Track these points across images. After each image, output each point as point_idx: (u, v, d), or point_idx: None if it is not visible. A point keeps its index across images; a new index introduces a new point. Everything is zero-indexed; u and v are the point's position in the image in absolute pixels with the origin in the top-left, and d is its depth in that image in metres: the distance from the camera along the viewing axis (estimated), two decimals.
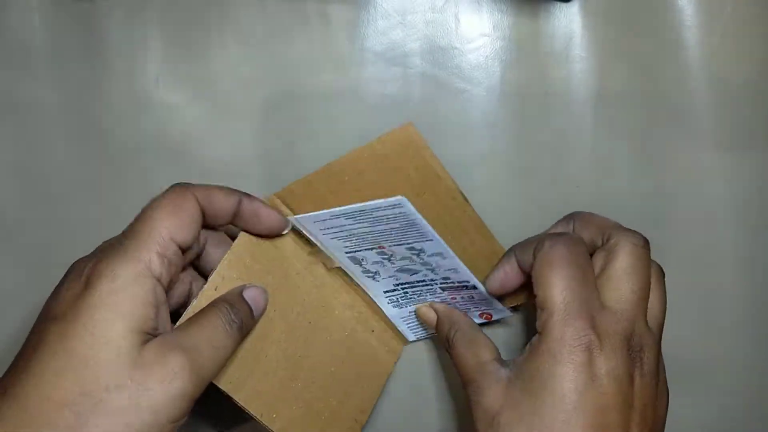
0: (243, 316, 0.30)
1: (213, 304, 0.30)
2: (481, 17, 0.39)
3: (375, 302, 0.38)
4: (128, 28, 0.39)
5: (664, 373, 0.32)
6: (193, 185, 0.30)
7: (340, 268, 0.36)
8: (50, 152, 0.40)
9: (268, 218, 0.33)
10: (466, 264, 0.34)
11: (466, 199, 0.33)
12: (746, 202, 0.39)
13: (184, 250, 0.29)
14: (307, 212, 0.33)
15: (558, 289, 0.29)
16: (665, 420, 0.31)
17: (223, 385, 0.30)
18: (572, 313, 0.28)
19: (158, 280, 0.27)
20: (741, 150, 0.39)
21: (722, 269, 0.40)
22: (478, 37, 0.39)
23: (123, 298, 0.26)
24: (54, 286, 0.40)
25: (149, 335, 0.27)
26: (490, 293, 0.35)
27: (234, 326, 0.29)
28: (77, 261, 0.29)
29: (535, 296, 0.30)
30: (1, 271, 0.41)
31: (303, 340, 0.34)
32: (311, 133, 0.39)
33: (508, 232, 0.35)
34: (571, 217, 0.34)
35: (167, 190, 0.30)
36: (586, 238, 0.32)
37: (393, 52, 0.39)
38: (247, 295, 0.31)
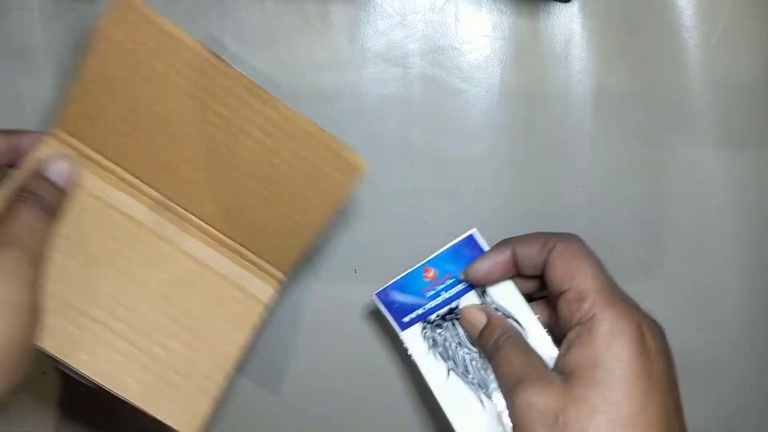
0: (50, 200, 0.30)
1: (15, 199, 0.30)
2: (480, 17, 0.39)
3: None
4: None
5: None
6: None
7: None
8: None
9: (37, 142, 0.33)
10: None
11: (228, 64, 0.31)
12: (746, 202, 0.40)
13: None
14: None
15: (592, 277, 0.29)
16: None
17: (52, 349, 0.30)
18: (615, 297, 0.29)
19: None
20: (741, 150, 0.39)
21: (722, 269, 0.40)
22: (478, 37, 0.39)
23: None
24: None
25: None
26: (467, 280, 0.34)
27: (41, 212, 0.30)
28: None
29: (545, 291, 0.30)
30: None
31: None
32: None
33: (508, 232, 0.35)
34: (507, 244, 0.33)
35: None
36: (532, 258, 0.32)
37: (393, 52, 0.39)
38: (50, 173, 0.31)
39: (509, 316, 0.34)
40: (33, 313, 0.28)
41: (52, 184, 0.31)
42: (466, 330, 0.34)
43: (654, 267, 0.40)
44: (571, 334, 0.29)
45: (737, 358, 0.41)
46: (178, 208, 0.34)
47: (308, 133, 0.32)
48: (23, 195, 0.30)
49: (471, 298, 0.34)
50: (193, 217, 0.34)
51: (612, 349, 0.27)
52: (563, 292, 0.30)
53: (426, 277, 0.35)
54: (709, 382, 0.41)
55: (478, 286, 0.34)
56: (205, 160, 0.33)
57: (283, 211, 0.33)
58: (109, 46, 0.31)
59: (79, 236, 0.32)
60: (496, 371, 0.32)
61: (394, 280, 0.35)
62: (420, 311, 0.35)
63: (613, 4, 0.39)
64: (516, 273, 0.33)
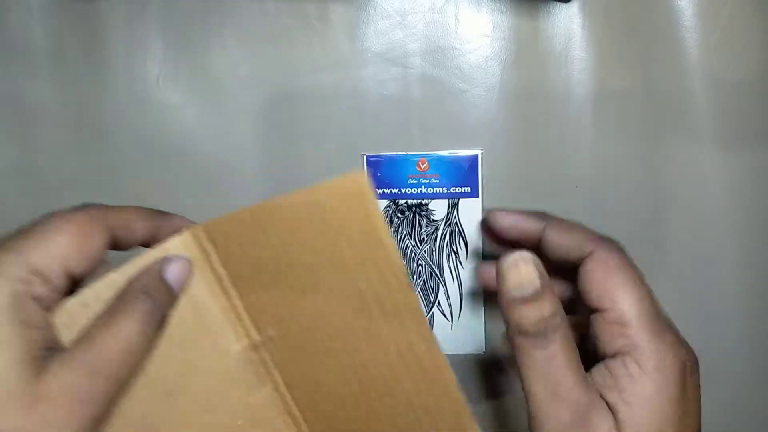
0: (163, 307, 0.25)
1: (127, 297, 0.25)
2: (480, 17, 0.39)
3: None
4: (128, 29, 0.39)
5: None
6: (109, 212, 0.26)
7: None
8: (50, 151, 0.40)
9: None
10: (384, 377, 0.27)
11: (410, 282, 0.25)
12: (746, 202, 0.40)
13: (74, 280, 0.25)
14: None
15: (637, 299, 0.26)
16: None
17: None
18: (660, 326, 0.26)
19: (38, 301, 0.23)
20: (741, 149, 0.39)
21: (722, 269, 0.40)
22: (478, 37, 0.39)
23: (2, 323, 0.22)
24: None
25: (42, 361, 0.22)
26: (487, 219, 0.32)
27: (152, 323, 0.24)
28: None
29: (581, 300, 0.28)
30: None
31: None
32: (311, 133, 0.39)
33: None
34: (543, 218, 0.30)
35: (77, 210, 0.25)
36: (564, 248, 0.29)
37: (393, 52, 0.39)
38: (169, 275, 0.26)
39: (462, 235, 0.35)
40: None
41: (170, 289, 0.26)
42: (502, 281, 0.26)
43: (654, 267, 0.40)
44: (614, 363, 0.26)
45: (737, 358, 0.41)
46: (275, 369, 0.29)
47: (443, 386, 0.26)
48: (141, 297, 0.24)
49: (440, 205, 0.37)
50: (288, 396, 0.30)
51: (661, 389, 0.25)
52: (603, 310, 0.27)
53: (418, 166, 0.37)
54: (708, 382, 0.41)
55: (487, 233, 0.34)
56: (334, 359, 0.28)
57: None
58: (311, 208, 0.25)
59: (162, 355, 0.26)
60: (533, 365, 0.26)
61: (390, 153, 0.37)
62: (395, 191, 0.37)
63: (613, 4, 0.39)
64: (535, 247, 0.30)
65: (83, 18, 0.39)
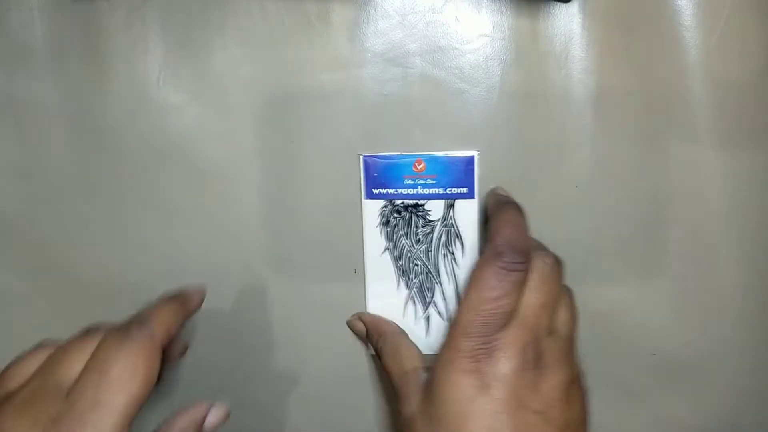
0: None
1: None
2: (480, 18, 0.39)
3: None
4: (129, 28, 0.39)
5: (582, 378, 0.32)
6: (154, 329, 0.29)
7: None
8: (50, 152, 0.40)
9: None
10: None
11: None
12: (746, 202, 0.40)
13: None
14: None
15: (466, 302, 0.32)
16: (584, 421, 0.31)
17: None
18: (471, 329, 0.30)
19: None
20: (741, 150, 0.39)
21: (722, 269, 0.40)
22: (478, 37, 0.39)
23: (142, 368, 0.27)
24: (52, 284, 0.41)
25: None
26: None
27: None
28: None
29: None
30: (0, 270, 0.41)
31: None
32: (311, 133, 0.39)
33: None
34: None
35: (133, 342, 0.28)
36: None
37: (393, 52, 0.39)
38: (206, 424, 0.33)
39: (458, 235, 0.38)
40: None
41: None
42: (356, 333, 0.39)
43: (654, 267, 0.40)
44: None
45: (736, 358, 0.41)
46: None
47: None
48: None
49: (437, 206, 0.38)
50: None
51: (444, 373, 0.30)
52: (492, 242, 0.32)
53: (414, 167, 0.37)
54: (708, 382, 0.41)
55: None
56: None
57: None
58: None
59: None
60: (385, 357, 0.35)
61: (387, 154, 0.37)
62: (391, 191, 0.38)
63: (613, 4, 0.38)
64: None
65: (83, 18, 0.39)
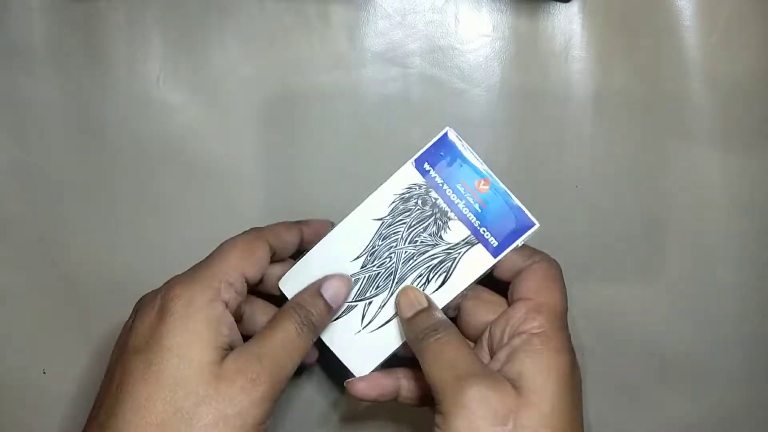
0: (315, 316, 0.32)
1: (285, 308, 0.32)
2: (480, 17, 0.39)
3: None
4: (129, 28, 0.39)
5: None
6: (264, 230, 0.33)
7: None
8: (50, 151, 0.40)
9: (324, 229, 0.36)
10: None
11: None
12: (746, 202, 0.39)
13: (249, 284, 0.32)
14: None
15: (559, 301, 0.31)
16: None
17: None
18: (564, 329, 0.31)
19: (226, 304, 0.30)
20: (741, 149, 0.39)
21: (722, 269, 0.40)
22: (478, 37, 0.39)
23: (199, 320, 0.29)
24: (52, 284, 0.41)
25: (226, 351, 0.29)
26: None
27: (305, 328, 0.31)
28: (145, 295, 0.31)
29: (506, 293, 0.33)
30: (0, 269, 0.41)
31: None
32: (311, 133, 0.39)
33: None
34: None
35: (244, 233, 0.33)
36: (512, 258, 0.34)
37: (393, 52, 0.39)
38: (326, 291, 0.32)
39: (448, 274, 0.33)
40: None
41: (326, 303, 0.32)
42: (398, 307, 0.33)
43: (654, 267, 0.40)
44: (517, 341, 0.30)
45: (736, 358, 0.41)
46: None
47: None
48: (296, 308, 0.32)
49: (459, 231, 0.33)
50: None
51: (560, 364, 0.29)
52: (528, 298, 0.31)
53: (477, 183, 0.33)
54: (708, 382, 0.41)
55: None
56: None
57: None
58: None
59: None
60: (428, 356, 0.30)
61: (471, 148, 0.34)
62: (438, 181, 0.33)
63: (613, 4, 0.39)
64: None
65: (83, 18, 0.39)
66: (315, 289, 0.33)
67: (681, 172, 0.39)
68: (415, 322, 0.32)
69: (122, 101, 0.40)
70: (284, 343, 0.30)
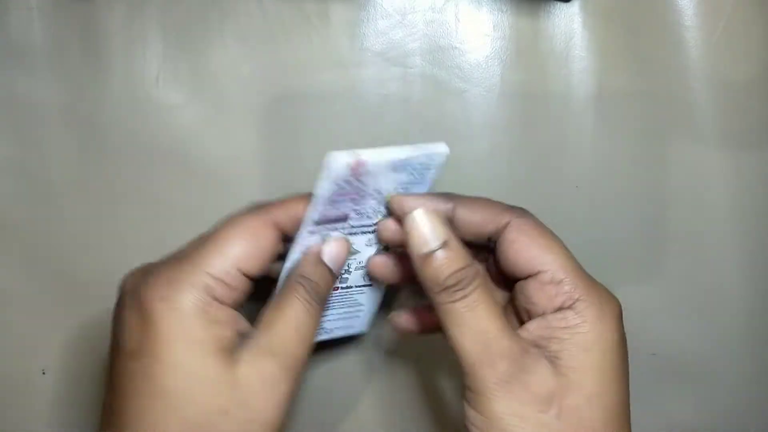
0: (322, 286, 0.28)
1: (290, 283, 0.28)
2: (481, 17, 0.39)
3: None
4: (128, 28, 0.39)
5: None
6: (272, 206, 0.29)
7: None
8: (50, 151, 0.40)
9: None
10: None
11: None
12: (747, 202, 0.39)
13: (252, 279, 0.28)
14: None
15: (566, 257, 0.28)
16: None
17: None
18: (590, 278, 0.28)
19: (222, 302, 0.26)
20: (741, 149, 0.39)
21: (723, 269, 0.40)
22: (478, 36, 0.39)
23: (191, 326, 0.25)
24: (52, 284, 0.41)
25: (232, 348, 0.26)
26: (391, 206, 0.29)
27: (314, 302, 0.28)
28: (127, 279, 0.28)
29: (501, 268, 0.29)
30: (0, 269, 0.41)
31: None
32: (311, 133, 0.39)
33: None
34: (449, 198, 0.29)
35: (246, 211, 0.29)
36: (476, 224, 0.29)
37: (393, 52, 0.39)
38: (327, 256, 0.29)
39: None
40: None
41: (329, 270, 0.29)
42: (407, 238, 0.27)
43: (654, 267, 0.40)
44: (553, 318, 0.26)
45: (737, 358, 0.41)
46: None
47: None
48: (301, 281, 0.28)
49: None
50: None
51: (604, 335, 0.26)
52: (534, 274, 0.27)
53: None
54: (708, 382, 0.41)
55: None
56: None
57: None
58: None
59: None
60: (458, 319, 0.26)
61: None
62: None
63: (614, 3, 0.38)
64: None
65: (83, 18, 0.39)
66: (315, 255, 0.29)
67: (681, 172, 0.39)
68: (433, 267, 0.26)
69: (121, 101, 0.39)
70: (296, 326, 0.27)
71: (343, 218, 0.30)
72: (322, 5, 0.39)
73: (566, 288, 0.27)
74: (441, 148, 0.29)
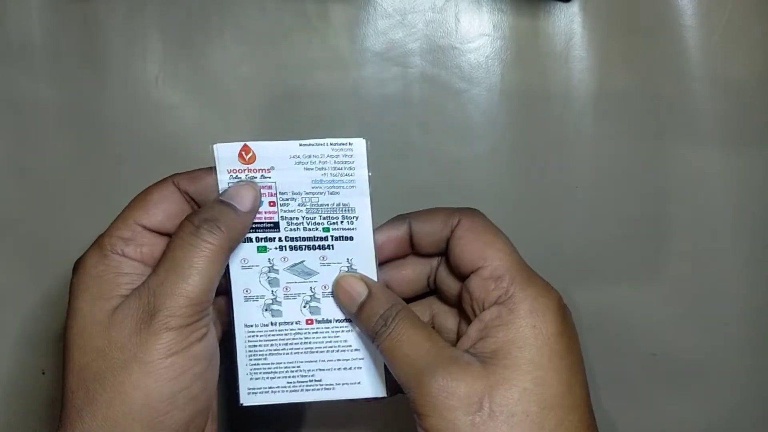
0: (216, 213, 0.28)
1: (182, 225, 0.28)
2: (481, 17, 0.39)
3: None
4: (128, 28, 0.39)
5: None
6: (178, 174, 0.31)
7: None
8: (49, 151, 0.40)
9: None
10: None
11: None
12: (747, 202, 0.39)
13: (155, 229, 0.29)
14: None
15: (507, 253, 0.28)
16: None
17: None
18: (531, 274, 0.28)
19: (125, 255, 0.28)
20: (741, 149, 0.39)
21: (723, 269, 0.40)
22: (478, 37, 0.39)
23: (89, 278, 0.28)
24: (51, 284, 0.41)
25: (122, 295, 0.27)
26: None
27: (204, 225, 0.27)
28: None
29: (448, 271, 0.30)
30: (0, 269, 0.41)
31: None
32: (311, 133, 0.39)
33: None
34: (404, 217, 0.31)
35: (158, 183, 0.31)
36: (433, 232, 0.30)
37: (393, 52, 0.39)
38: (224, 196, 0.29)
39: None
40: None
41: (226, 203, 0.29)
42: (339, 304, 0.30)
43: (654, 267, 0.40)
44: (487, 315, 0.27)
45: (737, 358, 0.41)
46: None
47: None
48: (189, 216, 0.28)
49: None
50: None
51: (537, 328, 0.26)
52: (476, 269, 0.28)
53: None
54: (709, 382, 0.41)
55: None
56: None
57: None
58: None
59: None
60: (388, 354, 0.27)
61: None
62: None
63: (613, 4, 0.38)
64: (410, 251, 0.31)
65: (82, 18, 0.39)
66: (212, 198, 0.29)
67: (681, 172, 0.39)
68: (362, 317, 0.29)
69: (121, 101, 0.39)
70: (181, 245, 0.27)
71: (271, 225, 0.30)
72: (322, 5, 0.39)
73: (504, 284, 0.27)
74: (354, 141, 0.29)
